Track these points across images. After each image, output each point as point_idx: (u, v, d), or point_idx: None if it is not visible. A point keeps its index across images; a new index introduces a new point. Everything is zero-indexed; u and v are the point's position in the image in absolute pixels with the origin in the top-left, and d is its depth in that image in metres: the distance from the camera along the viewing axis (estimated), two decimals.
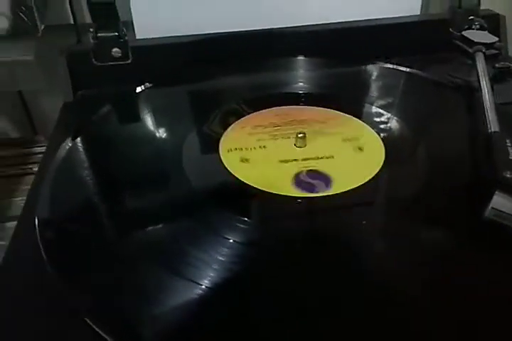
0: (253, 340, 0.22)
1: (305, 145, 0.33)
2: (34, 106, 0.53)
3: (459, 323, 0.22)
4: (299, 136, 0.33)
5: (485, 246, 0.26)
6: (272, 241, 0.27)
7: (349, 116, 0.37)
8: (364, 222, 0.28)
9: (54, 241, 0.27)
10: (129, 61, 0.42)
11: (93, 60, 0.41)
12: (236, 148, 0.33)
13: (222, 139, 0.35)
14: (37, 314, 0.24)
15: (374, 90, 0.42)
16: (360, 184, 0.30)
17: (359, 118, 0.37)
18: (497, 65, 0.42)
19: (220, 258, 0.25)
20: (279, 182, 0.30)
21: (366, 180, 0.30)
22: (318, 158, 0.32)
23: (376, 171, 0.31)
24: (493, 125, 0.31)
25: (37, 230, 0.27)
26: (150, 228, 0.28)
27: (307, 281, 0.24)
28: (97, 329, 0.22)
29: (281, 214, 0.29)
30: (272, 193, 0.29)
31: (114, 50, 0.41)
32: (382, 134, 0.35)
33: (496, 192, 0.26)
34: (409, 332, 0.22)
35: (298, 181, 0.30)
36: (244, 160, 0.32)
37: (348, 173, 0.31)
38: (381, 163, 0.32)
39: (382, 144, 0.34)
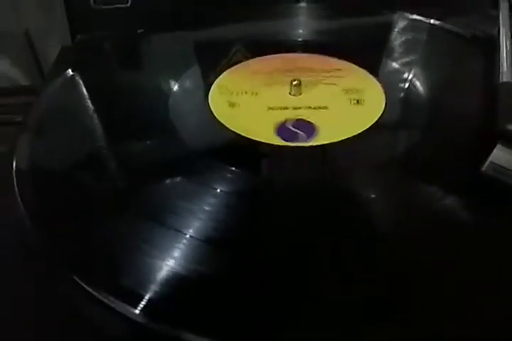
0: (239, 289, 0.21)
1: (300, 94, 0.31)
2: (43, 53, 0.52)
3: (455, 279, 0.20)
4: (294, 83, 0.31)
5: (481, 203, 0.24)
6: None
7: (357, 67, 0.34)
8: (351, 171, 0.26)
9: (31, 186, 0.26)
10: (128, 4, 0.40)
11: (92, 2, 0.40)
12: (226, 92, 0.32)
13: (216, 82, 0.33)
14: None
15: (389, 41, 0.39)
16: (352, 135, 0.28)
17: (368, 69, 0.34)
18: None
19: (206, 207, 0.24)
20: (262, 129, 0.28)
21: (359, 131, 0.28)
22: (310, 108, 0.30)
23: (371, 123, 0.29)
24: (505, 75, 0.28)
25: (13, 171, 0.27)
26: (135, 177, 0.27)
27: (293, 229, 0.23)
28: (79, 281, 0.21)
29: (260, 161, 0.27)
30: (252, 140, 0.27)
31: None
32: (387, 87, 0.32)
33: (497, 146, 0.24)
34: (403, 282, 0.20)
35: (281, 129, 0.28)
36: (231, 104, 0.30)
37: (338, 125, 0.29)
38: (377, 117, 0.29)
39: (385, 97, 0.31)
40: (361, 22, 0.41)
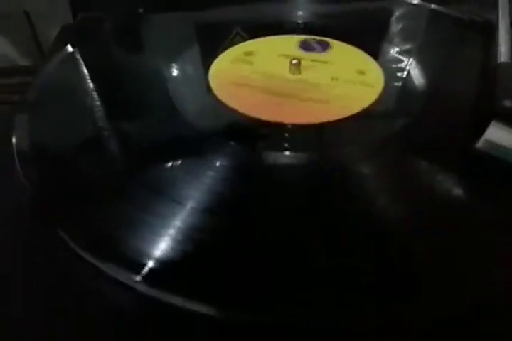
0: (238, 257, 0.21)
1: (299, 74, 0.32)
2: (43, 33, 0.51)
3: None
4: (293, 62, 0.31)
5: (476, 181, 0.24)
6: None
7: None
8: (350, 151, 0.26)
9: (31, 163, 0.26)
10: None
11: None
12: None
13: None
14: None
15: (389, 26, 0.39)
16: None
17: (368, 52, 0.34)
18: None
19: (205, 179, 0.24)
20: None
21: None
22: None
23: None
24: (503, 55, 0.28)
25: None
26: (135, 151, 0.27)
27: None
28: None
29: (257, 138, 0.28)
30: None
31: None
32: (386, 69, 0.32)
33: (492, 122, 0.24)
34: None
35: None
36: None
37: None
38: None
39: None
40: (362, 6, 0.41)
